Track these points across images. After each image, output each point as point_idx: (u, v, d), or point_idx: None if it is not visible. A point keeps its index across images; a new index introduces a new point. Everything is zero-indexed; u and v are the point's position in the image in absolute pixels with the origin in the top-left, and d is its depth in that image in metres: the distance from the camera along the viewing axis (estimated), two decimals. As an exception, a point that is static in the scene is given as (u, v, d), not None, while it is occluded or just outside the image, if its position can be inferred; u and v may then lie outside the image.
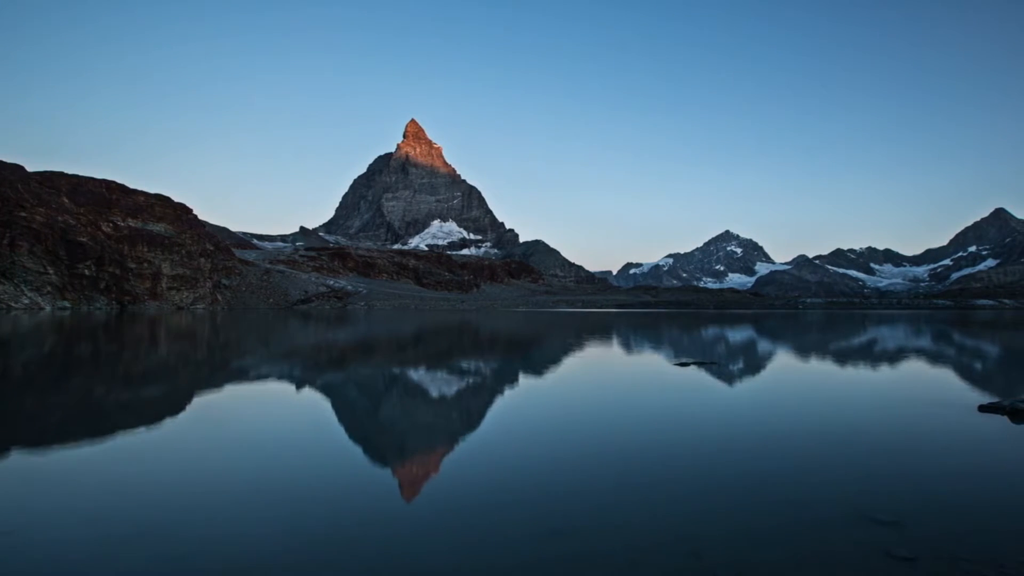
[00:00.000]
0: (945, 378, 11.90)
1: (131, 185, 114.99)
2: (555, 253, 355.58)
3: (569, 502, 4.24)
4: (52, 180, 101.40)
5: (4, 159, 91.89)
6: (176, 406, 8.41)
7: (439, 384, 10.85)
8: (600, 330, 30.87)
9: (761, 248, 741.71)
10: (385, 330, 31.41)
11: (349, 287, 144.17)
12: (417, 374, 12.50)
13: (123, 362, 14.86)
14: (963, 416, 7.43)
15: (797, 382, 11.41)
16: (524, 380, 11.63)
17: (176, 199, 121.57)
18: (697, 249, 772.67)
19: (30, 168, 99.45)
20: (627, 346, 20.43)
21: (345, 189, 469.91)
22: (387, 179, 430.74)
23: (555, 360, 15.38)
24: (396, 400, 9.33)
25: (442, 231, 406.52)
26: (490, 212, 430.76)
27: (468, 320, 46.52)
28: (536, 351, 19.22)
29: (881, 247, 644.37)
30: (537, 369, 13.46)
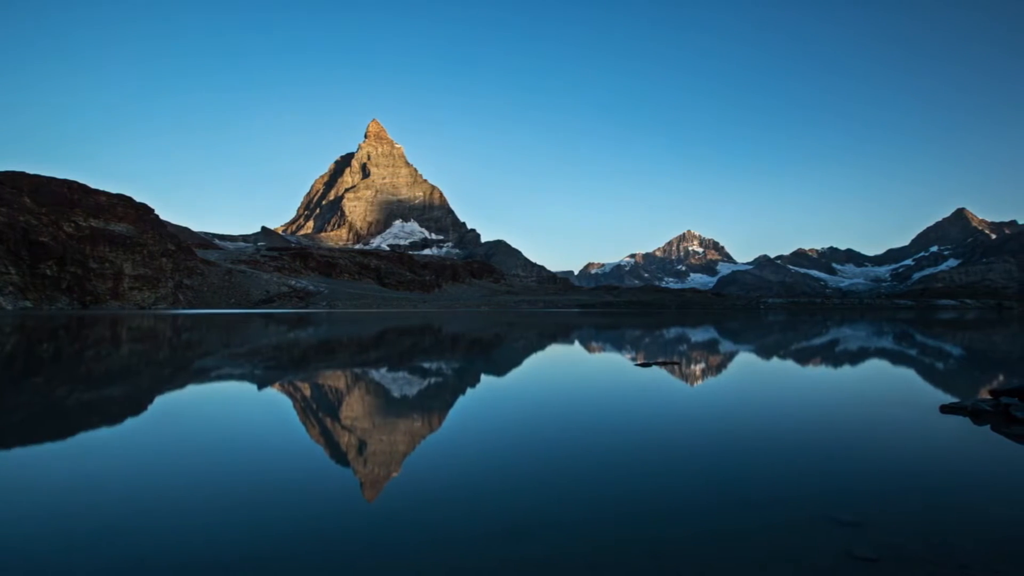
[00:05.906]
0: (907, 379, 12.01)
1: (93, 185, 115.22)
2: (517, 253, 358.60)
3: (529, 502, 4.27)
4: (14, 180, 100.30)
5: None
6: (140, 405, 8.42)
7: (400, 384, 10.75)
8: (562, 330, 31.02)
9: (723, 248, 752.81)
10: (347, 331, 30.98)
11: (311, 287, 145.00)
12: (379, 374, 12.36)
13: (86, 361, 14.74)
14: (925, 417, 7.45)
15: (758, 383, 11.46)
16: (485, 381, 11.61)
17: (137, 199, 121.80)
18: (659, 249, 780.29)
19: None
20: (589, 346, 20.50)
21: (307, 189, 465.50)
22: (349, 179, 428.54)
23: (516, 361, 15.41)
24: (359, 400, 9.26)
25: (404, 231, 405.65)
26: (452, 212, 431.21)
27: (430, 321, 46.05)
28: (498, 352, 19.14)
29: (843, 247, 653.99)
30: (499, 370, 13.43)
